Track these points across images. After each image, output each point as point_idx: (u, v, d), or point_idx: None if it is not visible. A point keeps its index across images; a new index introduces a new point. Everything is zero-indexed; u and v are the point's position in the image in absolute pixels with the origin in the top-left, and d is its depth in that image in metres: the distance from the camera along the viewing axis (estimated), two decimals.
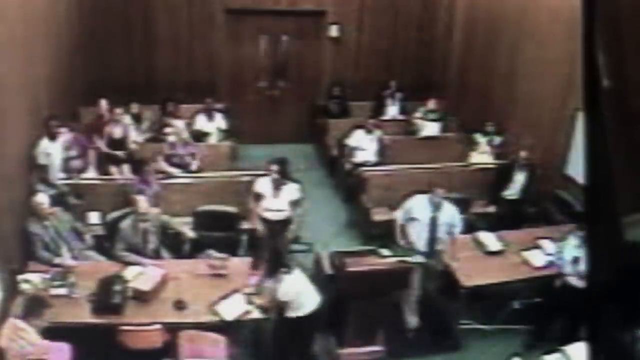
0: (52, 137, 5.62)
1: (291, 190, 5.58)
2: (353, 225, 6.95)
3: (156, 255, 5.04)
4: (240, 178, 6.24)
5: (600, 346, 3.14)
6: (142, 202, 5.00)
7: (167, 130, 6.85)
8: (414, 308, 5.15)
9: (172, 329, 4.22)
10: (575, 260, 4.66)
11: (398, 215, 5.33)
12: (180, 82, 8.33)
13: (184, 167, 6.64)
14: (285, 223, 5.59)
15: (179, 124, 7.17)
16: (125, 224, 5.00)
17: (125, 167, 6.64)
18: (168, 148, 6.69)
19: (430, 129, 8.02)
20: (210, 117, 7.66)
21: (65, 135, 5.94)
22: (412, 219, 5.18)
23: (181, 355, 4.11)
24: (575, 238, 4.77)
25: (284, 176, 5.53)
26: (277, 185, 5.52)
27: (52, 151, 5.61)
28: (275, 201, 5.54)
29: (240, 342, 4.44)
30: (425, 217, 5.13)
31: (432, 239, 5.15)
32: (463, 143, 7.61)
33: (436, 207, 5.13)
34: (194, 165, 6.71)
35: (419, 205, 5.19)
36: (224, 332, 4.26)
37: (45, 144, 5.55)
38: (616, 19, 3.02)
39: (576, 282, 4.64)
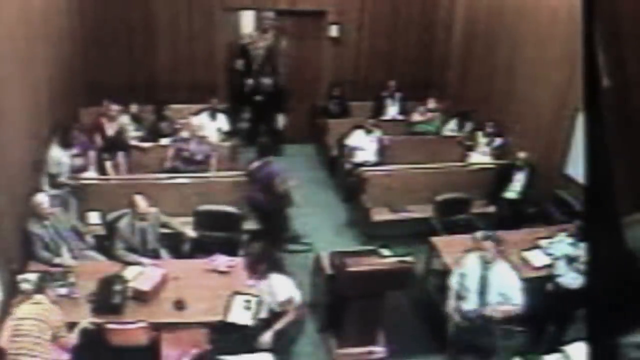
0: (66, 145, 5.70)
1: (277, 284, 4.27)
2: (353, 225, 6.95)
3: (155, 255, 5.05)
4: (241, 178, 6.24)
5: (600, 347, 3.14)
6: (141, 202, 5.00)
7: (183, 123, 7.02)
8: None
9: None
10: (570, 260, 4.65)
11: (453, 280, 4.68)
12: (181, 83, 8.33)
13: (193, 163, 6.68)
14: None
15: (195, 120, 7.20)
16: (123, 223, 5.01)
17: (121, 154, 6.71)
18: (180, 142, 6.76)
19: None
20: (213, 117, 7.68)
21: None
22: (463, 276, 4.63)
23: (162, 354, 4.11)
24: (567, 237, 4.77)
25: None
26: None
27: (64, 159, 5.69)
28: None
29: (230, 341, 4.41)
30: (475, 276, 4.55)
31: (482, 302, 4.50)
32: (463, 143, 7.63)
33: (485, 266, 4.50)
34: (211, 167, 6.81)
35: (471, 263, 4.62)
36: (218, 332, 4.27)
37: (56, 152, 5.63)
38: (616, 18, 3.02)
39: (570, 282, 4.62)
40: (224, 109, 7.97)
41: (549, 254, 5.03)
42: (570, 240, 4.77)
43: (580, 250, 4.64)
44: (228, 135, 7.77)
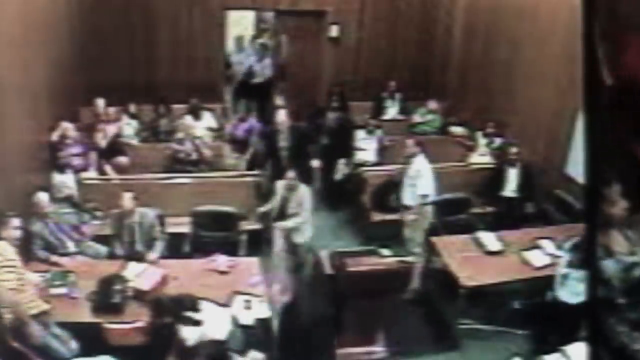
0: (61, 169, 5.77)
1: None
2: (353, 225, 6.94)
3: (139, 256, 4.96)
4: (240, 178, 6.24)
5: (600, 347, 3.14)
6: (126, 200, 5.00)
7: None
8: None
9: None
10: (565, 276, 4.57)
11: None
12: (180, 82, 8.33)
13: (189, 164, 6.68)
14: None
15: (188, 120, 7.20)
16: (113, 212, 5.07)
17: (120, 159, 6.69)
18: (176, 144, 6.75)
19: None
20: (197, 117, 7.59)
21: (69, 131, 6.07)
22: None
23: None
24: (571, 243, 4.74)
25: None
26: None
27: (67, 181, 5.73)
28: None
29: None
30: None
31: None
32: (463, 143, 7.62)
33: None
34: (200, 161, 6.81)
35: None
36: None
37: (58, 178, 5.68)
38: (616, 17, 3.03)
39: (567, 297, 4.55)
40: (211, 107, 7.93)
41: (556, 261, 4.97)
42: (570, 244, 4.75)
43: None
44: (218, 132, 7.75)
